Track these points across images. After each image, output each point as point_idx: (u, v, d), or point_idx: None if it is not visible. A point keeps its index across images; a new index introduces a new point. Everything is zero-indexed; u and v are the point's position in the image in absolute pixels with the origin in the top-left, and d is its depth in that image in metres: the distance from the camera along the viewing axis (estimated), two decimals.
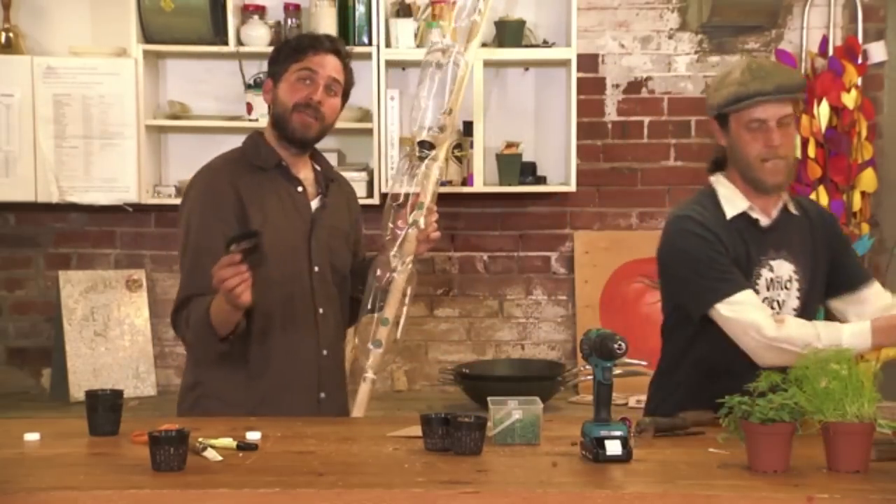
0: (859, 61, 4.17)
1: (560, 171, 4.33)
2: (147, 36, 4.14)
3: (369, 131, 4.15)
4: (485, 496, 1.94)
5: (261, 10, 4.21)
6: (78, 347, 4.26)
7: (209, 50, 4.19)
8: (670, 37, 4.43)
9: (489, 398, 2.38)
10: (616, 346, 2.16)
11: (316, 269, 2.79)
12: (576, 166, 4.23)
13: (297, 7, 4.23)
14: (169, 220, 4.33)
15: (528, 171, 4.29)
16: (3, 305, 4.50)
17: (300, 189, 2.82)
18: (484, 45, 4.12)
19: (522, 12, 4.31)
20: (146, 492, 1.96)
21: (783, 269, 2.68)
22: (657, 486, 2.00)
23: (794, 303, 2.68)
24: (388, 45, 4.14)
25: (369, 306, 2.94)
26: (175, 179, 4.30)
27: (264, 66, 2.92)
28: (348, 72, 2.85)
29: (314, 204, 2.84)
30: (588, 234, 4.44)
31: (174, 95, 4.36)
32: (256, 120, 4.10)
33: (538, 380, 4.07)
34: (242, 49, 4.16)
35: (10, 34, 4.21)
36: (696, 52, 4.43)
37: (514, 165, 4.23)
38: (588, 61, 4.38)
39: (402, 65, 4.26)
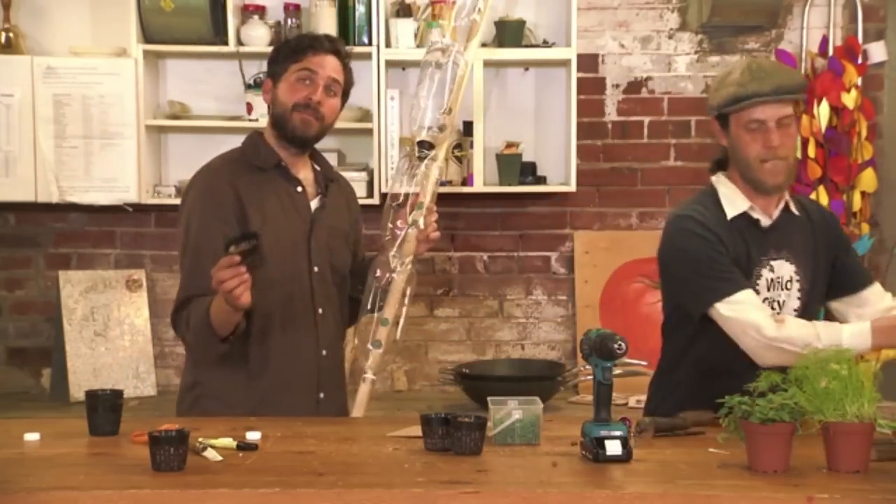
0: (859, 61, 4.17)
1: (560, 171, 4.33)
2: (147, 36, 4.14)
3: (369, 131, 4.15)
4: (485, 496, 1.94)
5: (261, 10, 4.21)
6: (78, 347, 4.26)
7: (209, 50, 4.19)
8: (670, 37, 4.43)
9: (489, 398, 2.38)
10: (616, 346, 2.16)
11: (315, 269, 2.79)
12: (576, 166, 4.23)
13: (297, 7, 4.23)
14: (169, 220, 4.33)
15: (528, 171, 4.29)
16: (3, 305, 4.50)
17: (300, 189, 2.82)
18: (484, 45, 4.12)
19: (522, 12, 4.31)
20: (146, 492, 1.96)
21: (784, 269, 2.68)
22: (657, 486, 2.00)
23: (794, 303, 2.68)
24: (388, 45, 4.14)
25: (369, 307, 2.94)
26: (175, 179, 4.30)
27: (264, 66, 2.92)
28: (348, 72, 2.85)
29: (314, 204, 2.83)
30: (588, 234, 4.44)
31: (174, 95, 4.36)
32: (256, 120, 4.10)
33: (538, 380, 4.07)
34: (242, 49, 4.16)
35: (10, 34, 4.21)
36: (696, 52, 4.43)
37: (514, 165, 4.23)
38: (588, 61, 4.38)
39: (402, 65, 4.26)
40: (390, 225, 3.00)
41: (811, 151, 4.12)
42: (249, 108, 4.21)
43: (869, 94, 4.22)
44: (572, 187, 4.22)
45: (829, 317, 2.83)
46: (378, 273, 2.93)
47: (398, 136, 4.15)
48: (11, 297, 4.49)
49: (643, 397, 3.00)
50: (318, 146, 2.90)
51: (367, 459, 2.21)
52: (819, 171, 4.13)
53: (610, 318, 4.31)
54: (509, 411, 2.31)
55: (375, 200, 4.07)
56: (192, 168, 2.87)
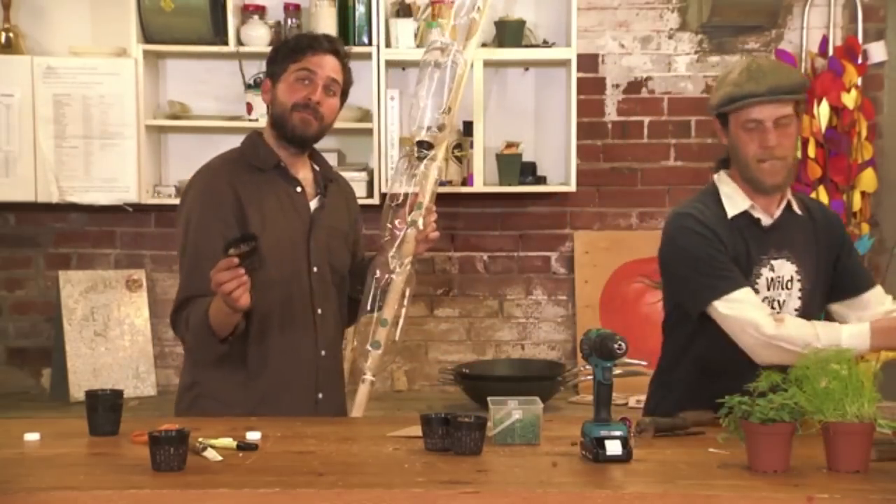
0: (859, 61, 4.17)
1: (560, 171, 4.33)
2: (147, 36, 4.14)
3: (369, 131, 4.15)
4: (485, 496, 1.94)
5: (261, 10, 4.21)
6: (78, 347, 4.26)
7: (209, 50, 4.19)
8: (670, 37, 4.43)
9: (489, 398, 2.38)
10: (616, 346, 2.16)
11: (315, 269, 2.79)
12: (576, 166, 4.23)
13: (297, 7, 4.23)
14: (169, 220, 4.33)
15: (528, 171, 4.28)
16: (3, 305, 4.50)
17: (299, 189, 2.82)
18: (484, 44, 4.12)
19: (522, 12, 4.31)
20: (146, 492, 1.96)
21: (785, 268, 2.67)
22: (657, 486, 2.00)
23: (795, 303, 2.68)
24: (388, 45, 4.14)
25: (368, 307, 2.94)
26: (175, 179, 4.30)
27: (264, 66, 2.91)
28: (347, 71, 2.84)
29: (313, 204, 2.83)
30: (588, 234, 4.44)
31: (174, 95, 4.36)
32: (256, 120, 4.10)
33: (538, 380, 4.07)
34: (242, 49, 4.16)
35: (10, 34, 4.21)
36: (696, 52, 4.43)
37: (514, 165, 4.23)
38: (588, 61, 4.38)
39: (402, 65, 4.26)
40: (389, 225, 3.00)
41: (811, 151, 4.12)
42: (249, 108, 4.21)
43: (869, 94, 4.22)
44: (572, 187, 4.22)
45: (829, 319, 2.82)
46: (377, 274, 2.93)
47: (398, 136, 4.15)
48: (11, 297, 4.49)
49: (643, 397, 3.00)
50: (317, 146, 2.90)
51: (367, 459, 2.21)
52: (819, 171, 4.13)
53: (610, 318, 4.31)
54: (509, 411, 2.31)
55: (375, 200, 4.07)
56: (192, 168, 2.87)
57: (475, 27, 3.58)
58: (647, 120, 4.44)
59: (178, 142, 4.38)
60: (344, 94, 2.86)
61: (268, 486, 1.97)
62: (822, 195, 4.06)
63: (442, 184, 3.66)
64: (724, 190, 2.70)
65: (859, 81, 4.16)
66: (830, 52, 4.23)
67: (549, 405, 3.80)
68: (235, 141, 2.91)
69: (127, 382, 4.23)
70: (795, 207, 2.72)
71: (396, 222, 2.99)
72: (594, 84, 4.42)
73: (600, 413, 2.19)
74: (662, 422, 2.42)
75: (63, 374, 4.22)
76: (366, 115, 4.21)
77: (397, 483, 2.01)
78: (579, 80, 4.25)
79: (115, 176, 4.14)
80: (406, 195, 3.05)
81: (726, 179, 2.71)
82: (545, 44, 4.29)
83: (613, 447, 2.13)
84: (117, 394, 2.45)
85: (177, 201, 2.95)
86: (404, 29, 4.14)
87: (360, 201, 3.11)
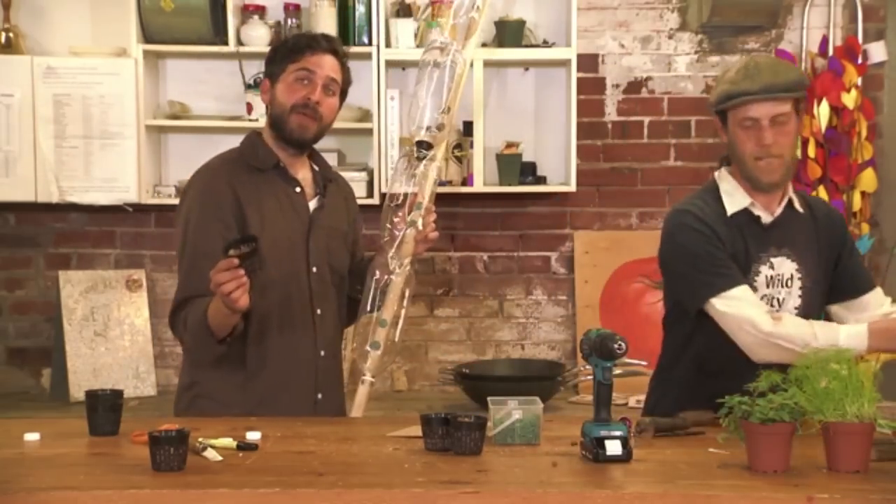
0: (859, 61, 4.17)
1: (560, 171, 4.33)
2: (147, 36, 4.14)
3: (369, 131, 4.15)
4: (485, 496, 1.94)
5: (261, 10, 4.21)
6: (78, 347, 4.26)
7: (209, 50, 4.19)
8: (670, 37, 4.43)
9: (489, 398, 2.37)
10: (616, 346, 2.16)
11: (314, 269, 2.79)
12: (576, 166, 4.23)
13: (297, 7, 4.23)
14: (169, 220, 4.33)
15: (528, 171, 4.29)
16: (3, 305, 4.50)
17: (298, 189, 2.81)
18: (484, 44, 4.13)
19: (522, 12, 4.31)
20: (146, 492, 1.96)
21: (785, 266, 2.66)
22: (657, 486, 2.00)
23: (795, 301, 2.67)
24: (387, 45, 4.14)
25: (368, 307, 2.94)
26: (175, 179, 4.30)
27: (264, 66, 2.92)
28: (346, 71, 2.84)
29: (312, 204, 2.83)
30: (588, 234, 4.44)
31: (174, 95, 4.36)
32: (256, 120, 4.10)
33: (538, 380, 4.07)
34: (242, 49, 4.16)
35: (10, 34, 4.21)
36: (696, 52, 4.43)
37: (514, 165, 4.23)
38: (588, 61, 4.38)
39: (402, 65, 4.26)
40: (388, 225, 3.00)
41: (811, 151, 4.12)
42: (249, 108, 4.21)
43: (869, 94, 4.22)
44: (572, 187, 4.22)
45: (829, 320, 2.82)
46: (377, 274, 2.92)
47: (398, 136, 4.15)
48: (11, 297, 4.49)
49: (643, 397, 3.00)
50: (317, 146, 2.89)
51: (367, 459, 2.21)
52: (819, 171, 4.14)
53: (610, 318, 4.31)
54: (509, 411, 2.31)
55: (375, 200, 4.07)
56: (192, 168, 2.87)
57: (474, 26, 3.57)
58: (647, 120, 4.44)
59: (177, 142, 4.38)
60: (343, 94, 2.86)
61: (268, 486, 1.96)
62: (822, 195, 4.06)
63: (442, 184, 3.66)
64: (724, 187, 2.69)
65: (859, 81, 4.16)
66: (830, 52, 4.23)
67: (549, 405, 3.80)
68: (235, 141, 2.91)
69: (127, 382, 4.23)
70: (797, 205, 2.71)
71: (396, 222, 2.99)
72: (594, 84, 4.42)
73: (600, 413, 2.19)
74: (662, 422, 2.42)
75: (63, 374, 4.22)
76: (366, 115, 4.21)
77: (397, 483, 2.01)
78: (579, 80, 4.25)
79: (115, 176, 4.15)
80: (405, 195, 3.04)
81: (727, 176, 2.70)
82: (545, 44, 4.29)
83: (613, 447, 2.13)
84: (117, 394, 2.45)
85: (177, 201, 2.95)
86: (404, 29, 4.14)
87: (360, 201, 3.11)
